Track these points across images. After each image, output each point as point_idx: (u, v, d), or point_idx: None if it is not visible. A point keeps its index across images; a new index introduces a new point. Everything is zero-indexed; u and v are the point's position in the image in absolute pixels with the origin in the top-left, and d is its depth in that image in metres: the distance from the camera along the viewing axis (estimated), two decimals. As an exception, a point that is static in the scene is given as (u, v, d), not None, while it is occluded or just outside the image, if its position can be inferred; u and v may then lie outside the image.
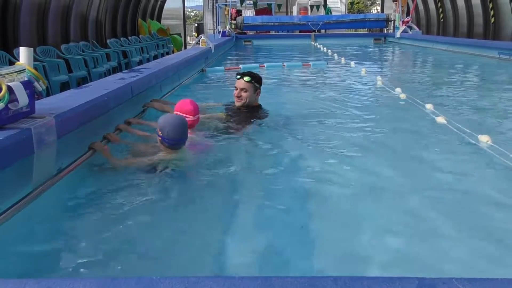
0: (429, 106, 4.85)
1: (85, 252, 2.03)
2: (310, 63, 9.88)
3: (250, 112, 4.23)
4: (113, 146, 3.27)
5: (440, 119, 4.33)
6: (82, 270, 1.87)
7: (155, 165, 2.93)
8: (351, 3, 43.69)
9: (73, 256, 1.98)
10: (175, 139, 3.01)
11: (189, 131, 3.17)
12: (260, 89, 4.34)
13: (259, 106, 4.39)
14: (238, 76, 4.27)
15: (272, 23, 21.84)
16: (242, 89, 4.20)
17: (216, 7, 23.12)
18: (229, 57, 13.09)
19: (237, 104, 4.26)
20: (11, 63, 2.99)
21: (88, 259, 1.96)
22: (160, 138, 3.02)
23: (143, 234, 2.23)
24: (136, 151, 3.24)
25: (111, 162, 3.00)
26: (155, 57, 14.23)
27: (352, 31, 25.51)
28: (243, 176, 3.03)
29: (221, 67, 9.20)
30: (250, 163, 3.33)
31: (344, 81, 8.08)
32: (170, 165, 2.94)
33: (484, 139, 3.58)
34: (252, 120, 4.10)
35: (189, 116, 3.38)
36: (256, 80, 4.27)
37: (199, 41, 10.79)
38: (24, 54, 2.57)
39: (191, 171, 3.08)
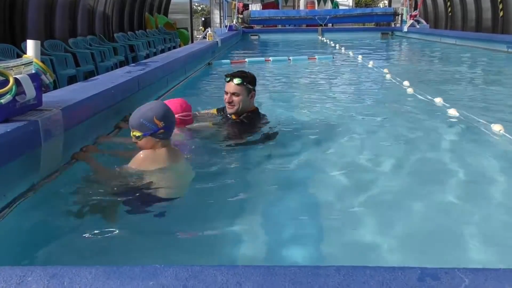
0: (438, 100, 4.85)
1: (89, 244, 2.05)
2: (315, 56, 9.85)
3: (244, 122, 3.51)
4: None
5: (451, 111, 4.36)
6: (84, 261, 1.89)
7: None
8: (359, -3, 43.39)
9: (73, 249, 2.00)
10: (174, 121, 2.67)
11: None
12: (254, 90, 3.59)
13: (256, 111, 3.65)
14: (227, 79, 3.54)
15: (279, 17, 21.83)
16: (233, 94, 3.49)
17: (223, 1, 23.06)
18: (236, 51, 13.08)
19: (229, 111, 3.56)
20: (19, 57, 3.01)
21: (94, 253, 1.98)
22: (162, 130, 2.49)
23: (149, 226, 2.24)
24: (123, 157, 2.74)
25: (97, 170, 2.60)
26: (162, 51, 14.22)
27: (360, 25, 25.39)
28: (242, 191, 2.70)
29: (228, 60, 9.22)
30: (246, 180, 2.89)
31: (352, 74, 8.07)
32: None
33: (497, 128, 3.63)
34: (245, 135, 3.45)
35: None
36: (248, 81, 3.52)
37: (206, 35, 10.82)
38: (31, 46, 2.56)
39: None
